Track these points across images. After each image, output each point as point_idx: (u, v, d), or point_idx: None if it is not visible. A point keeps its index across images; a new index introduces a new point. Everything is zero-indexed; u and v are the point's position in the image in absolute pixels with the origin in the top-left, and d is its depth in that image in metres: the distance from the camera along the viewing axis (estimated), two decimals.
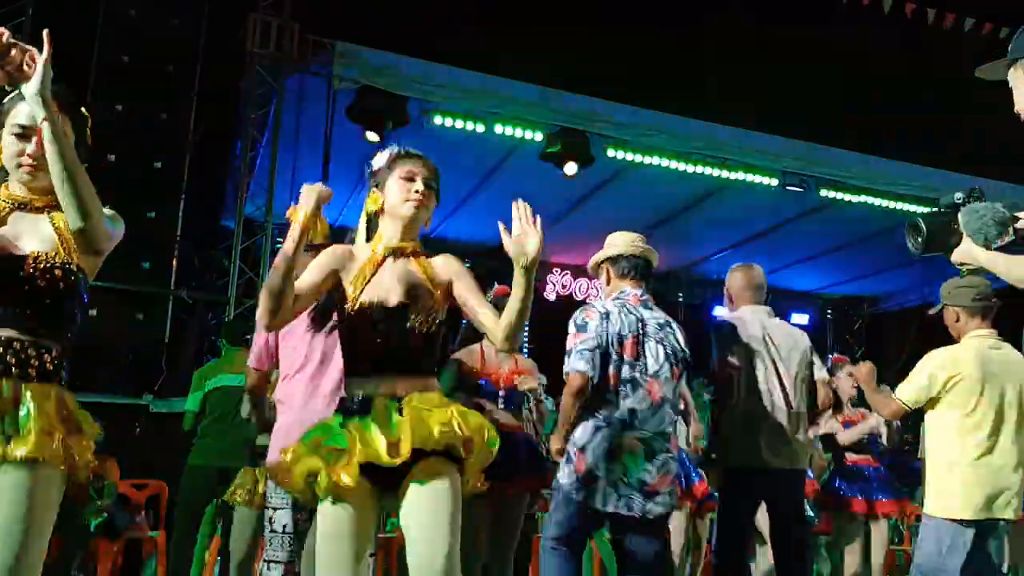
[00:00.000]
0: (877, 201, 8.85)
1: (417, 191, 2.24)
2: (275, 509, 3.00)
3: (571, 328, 3.19)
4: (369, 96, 7.01)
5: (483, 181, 8.59)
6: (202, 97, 7.28)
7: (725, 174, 8.37)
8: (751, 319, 3.69)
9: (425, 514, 2.02)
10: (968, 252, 2.01)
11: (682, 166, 8.22)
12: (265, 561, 3.01)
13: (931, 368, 3.50)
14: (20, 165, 1.99)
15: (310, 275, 2.23)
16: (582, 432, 3.10)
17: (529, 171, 8.19)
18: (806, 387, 3.69)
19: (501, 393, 3.75)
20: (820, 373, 3.78)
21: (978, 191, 2.08)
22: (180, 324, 7.51)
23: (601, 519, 3.18)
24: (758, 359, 3.58)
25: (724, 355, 3.60)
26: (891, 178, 8.76)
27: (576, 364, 3.07)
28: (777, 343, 3.64)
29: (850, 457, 5.10)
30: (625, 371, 3.10)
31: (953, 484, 3.35)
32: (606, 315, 3.14)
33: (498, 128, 7.58)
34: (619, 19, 8.10)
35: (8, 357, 1.85)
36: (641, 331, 3.15)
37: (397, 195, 2.26)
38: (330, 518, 2.08)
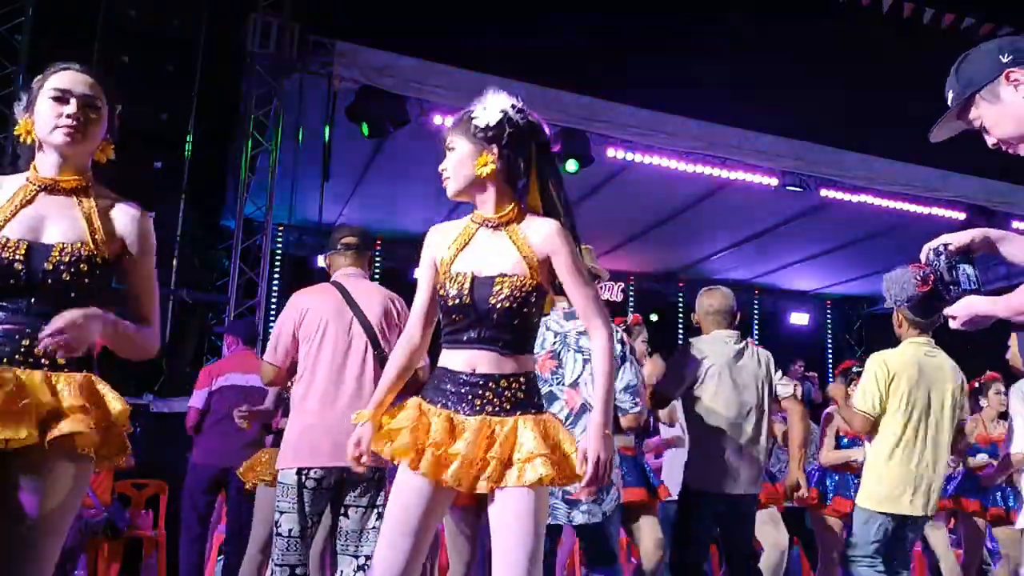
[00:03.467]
0: (877, 201, 8.85)
1: (441, 170, 2.17)
2: (282, 513, 3.00)
3: None
4: (369, 96, 7.01)
5: None
6: (202, 97, 7.28)
7: (725, 174, 8.37)
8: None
9: (507, 533, 1.98)
10: (965, 308, 1.84)
11: (682, 166, 8.22)
12: (274, 564, 3.01)
13: (873, 369, 3.73)
14: (57, 127, 1.90)
15: (422, 288, 2.21)
16: None
17: None
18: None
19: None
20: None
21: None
22: (180, 324, 7.50)
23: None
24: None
25: None
26: (891, 178, 8.76)
27: None
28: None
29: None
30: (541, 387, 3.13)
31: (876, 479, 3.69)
32: None
33: None
34: (618, 19, 8.10)
35: (36, 350, 1.78)
36: (562, 343, 3.29)
37: None
38: (402, 484, 2.04)
